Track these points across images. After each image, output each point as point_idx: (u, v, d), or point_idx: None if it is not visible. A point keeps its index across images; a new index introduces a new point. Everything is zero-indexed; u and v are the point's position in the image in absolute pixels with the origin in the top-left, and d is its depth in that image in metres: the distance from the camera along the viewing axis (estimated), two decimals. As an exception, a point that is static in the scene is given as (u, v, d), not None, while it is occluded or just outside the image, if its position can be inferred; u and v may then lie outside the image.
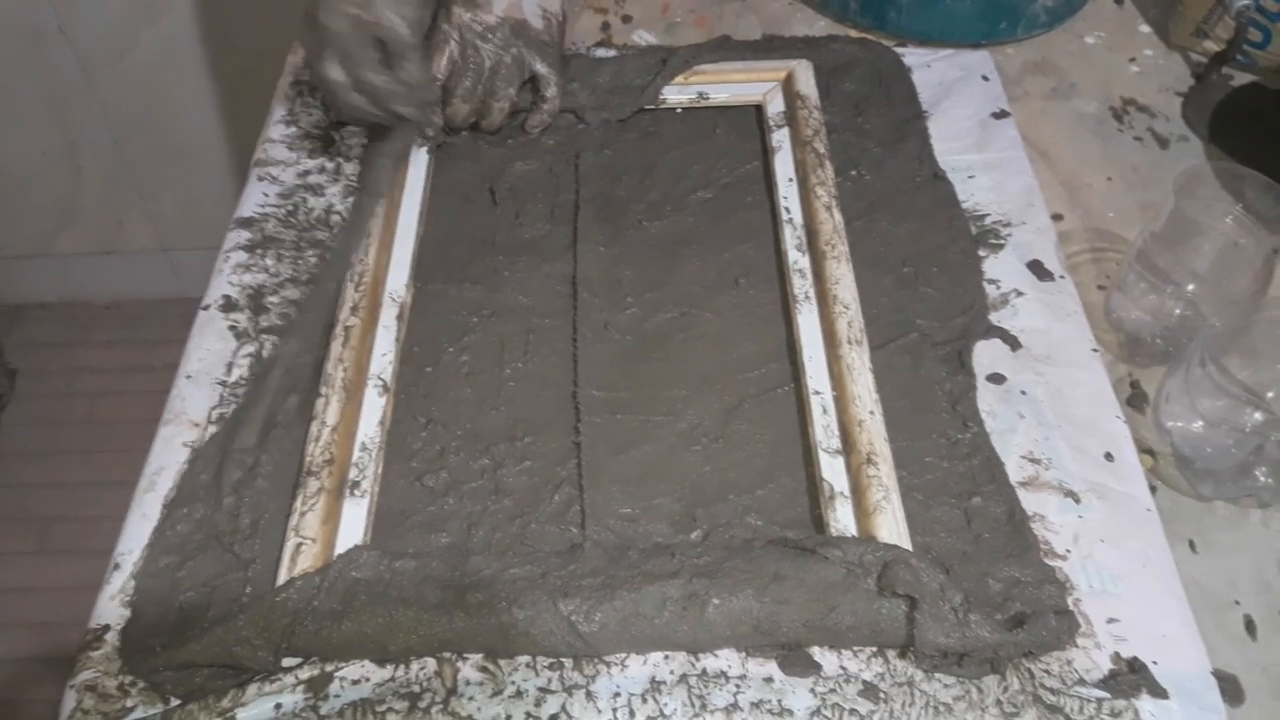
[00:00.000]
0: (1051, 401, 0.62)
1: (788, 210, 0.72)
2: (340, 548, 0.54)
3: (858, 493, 0.56)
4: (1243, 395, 0.57)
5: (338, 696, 0.50)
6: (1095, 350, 0.65)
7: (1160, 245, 0.65)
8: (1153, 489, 0.60)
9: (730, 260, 0.71)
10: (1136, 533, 0.57)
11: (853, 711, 0.50)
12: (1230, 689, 0.53)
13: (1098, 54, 0.90)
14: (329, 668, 0.51)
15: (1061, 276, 0.69)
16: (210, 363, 0.65)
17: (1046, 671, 0.51)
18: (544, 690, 0.51)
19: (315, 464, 0.58)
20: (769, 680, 0.51)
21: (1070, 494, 0.58)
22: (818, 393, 0.61)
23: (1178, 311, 0.65)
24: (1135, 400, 0.65)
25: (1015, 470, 0.59)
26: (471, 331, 0.66)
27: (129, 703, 0.50)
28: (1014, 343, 0.65)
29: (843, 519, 0.55)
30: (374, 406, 0.61)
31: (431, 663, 0.52)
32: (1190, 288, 0.65)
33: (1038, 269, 0.69)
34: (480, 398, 0.63)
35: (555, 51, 0.75)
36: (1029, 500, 0.58)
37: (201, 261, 0.73)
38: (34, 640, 1.47)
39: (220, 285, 0.69)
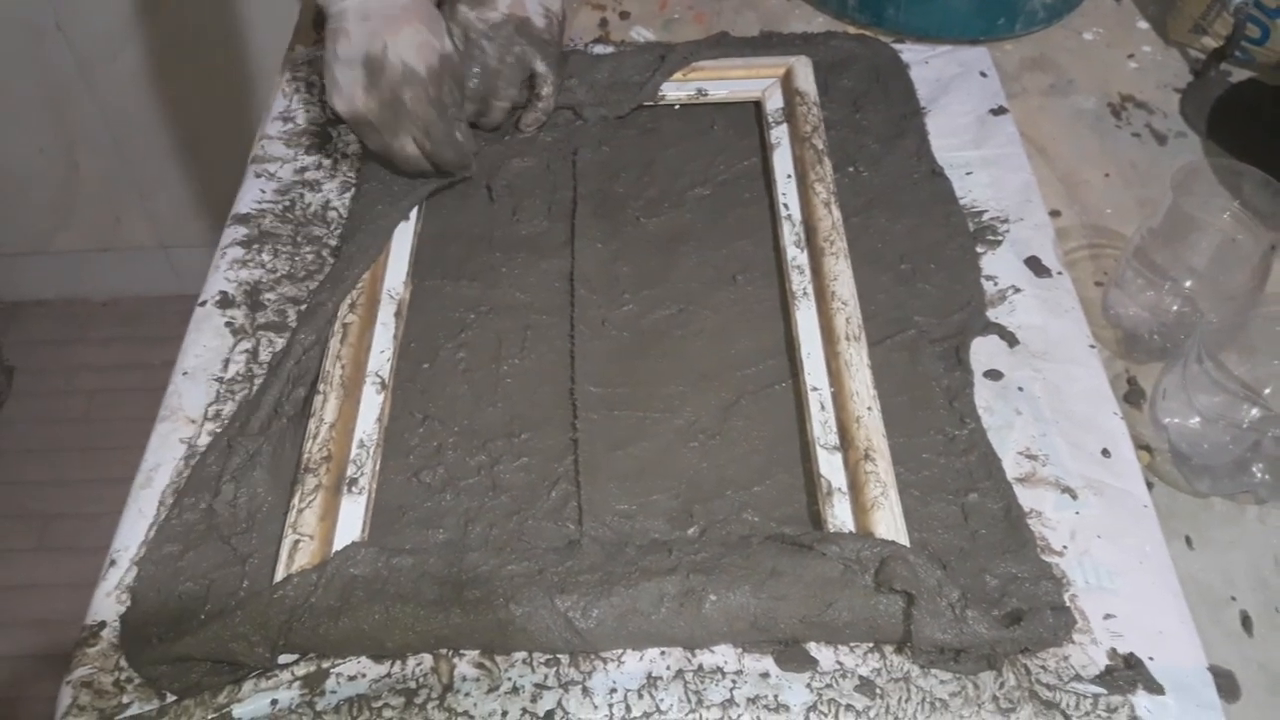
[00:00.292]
0: (1049, 398, 0.62)
1: (786, 207, 0.72)
2: (338, 544, 0.54)
3: (855, 489, 0.56)
4: (1240, 391, 0.57)
5: (334, 693, 0.50)
6: (1092, 346, 0.65)
7: (1158, 241, 0.65)
8: (1150, 485, 0.60)
9: (728, 257, 0.70)
10: (1133, 529, 0.57)
11: (849, 707, 0.50)
12: (1226, 685, 0.53)
13: (1096, 50, 0.90)
14: (326, 664, 0.51)
15: (1059, 273, 0.69)
16: (207, 359, 0.65)
17: (1043, 667, 0.51)
18: (540, 686, 0.51)
19: (313, 461, 0.57)
20: (765, 676, 0.51)
21: (1067, 490, 0.58)
22: (816, 389, 0.61)
23: (1175, 308, 0.65)
24: (1132, 396, 0.65)
25: (1012, 466, 0.59)
26: (469, 328, 0.66)
27: (125, 699, 0.50)
28: (1011, 339, 0.65)
29: (840, 515, 0.55)
30: (372, 403, 0.61)
31: (428, 659, 0.52)
32: (1188, 284, 0.65)
33: (1035, 265, 0.69)
34: (477, 394, 0.63)
35: (555, 50, 0.75)
36: (1026, 496, 0.58)
37: (199, 258, 0.73)
38: (34, 637, 1.47)
39: (217, 281, 0.69)
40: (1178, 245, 0.64)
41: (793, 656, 0.52)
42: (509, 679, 0.51)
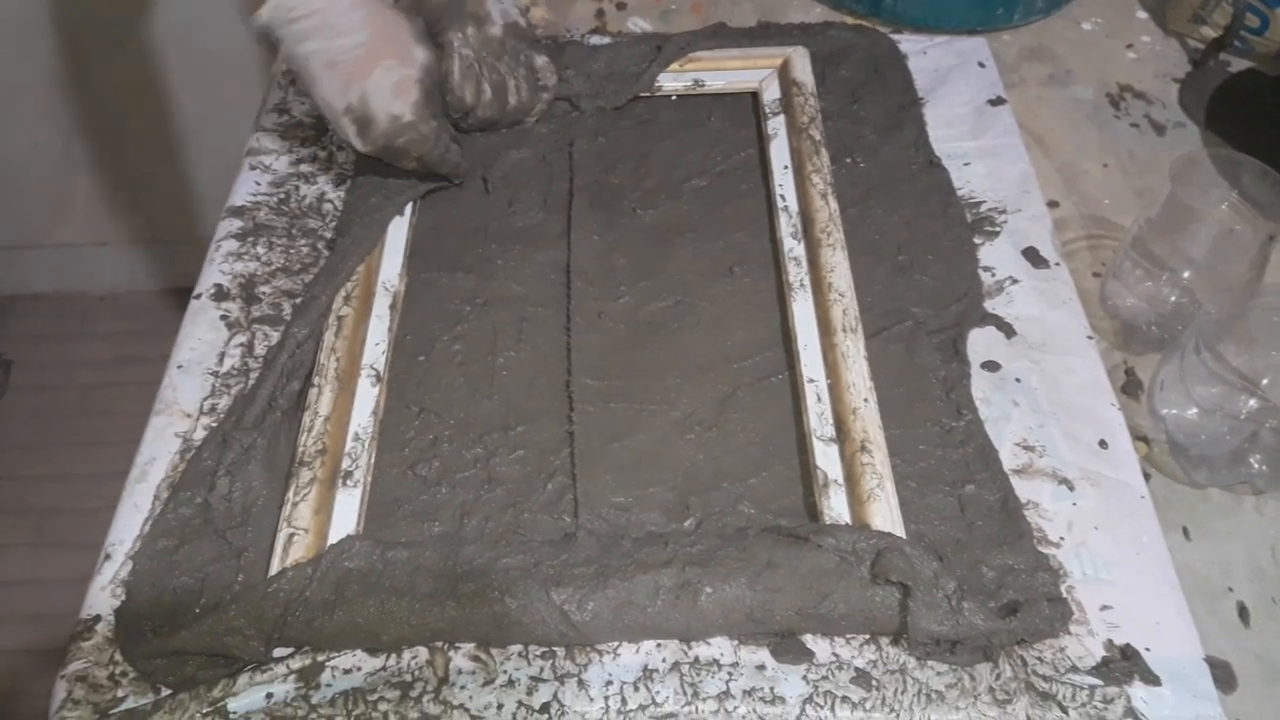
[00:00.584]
0: (1046, 389, 0.62)
1: (783, 198, 0.71)
2: (333, 538, 0.54)
3: (851, 480, 0.56)
4: (1237, 382, 0.57)
5: (329, 686, 0.50)
6: (1090, 338, 0.65)
7: (1156, 232, 0.64)
8: (1147, 476, 0.59)
9: (725, 248, 0.70)
10: (1130, 520, 0.57)
11: (845, 699, 0.50)
12: (1223, 676, 0.52)
13: (1095, 40, 0.90)
14: (321, 657, 0.51)
15: (1057, 264, 0.69)
16: (202, 352, 0.64)
17: (1039, 659, 0.51)
18: (536, 679, 0.51)
19: (308, 454, 0.57)
20: (761, 668, 0.51)
21: (1064, 481, 0.58)
22: (812, 380, 0.61)
23: (1173, 298, 0.65)
24: (1130, 387, 0.65)
25: (1009, 458, 0.59)
26: (464, 320, 0.66)
27: (120, 693, 0.50)
28: (1009, 330, 0.65)
29: (836, 507, 0.55)
30: (367, 396, 0.61)
31: (423, 652, 0.52)
32: (1186, 275, 0.65)
33: (1033, 256, 0.69)
34: (473, 387, 0.63)
35: (539, 39, 0.75)
36: (1023, 488, 0.58)
37: (196, 252, 0.73)
38: (32, 632, 1.47)
39: (212, 274, 0.69)
40: (1176, 236, 0.64)
41: (789, 648, 0.52)
42: (504, 672, 0.51)
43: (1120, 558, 0.55)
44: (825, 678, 0.51)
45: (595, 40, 0.84)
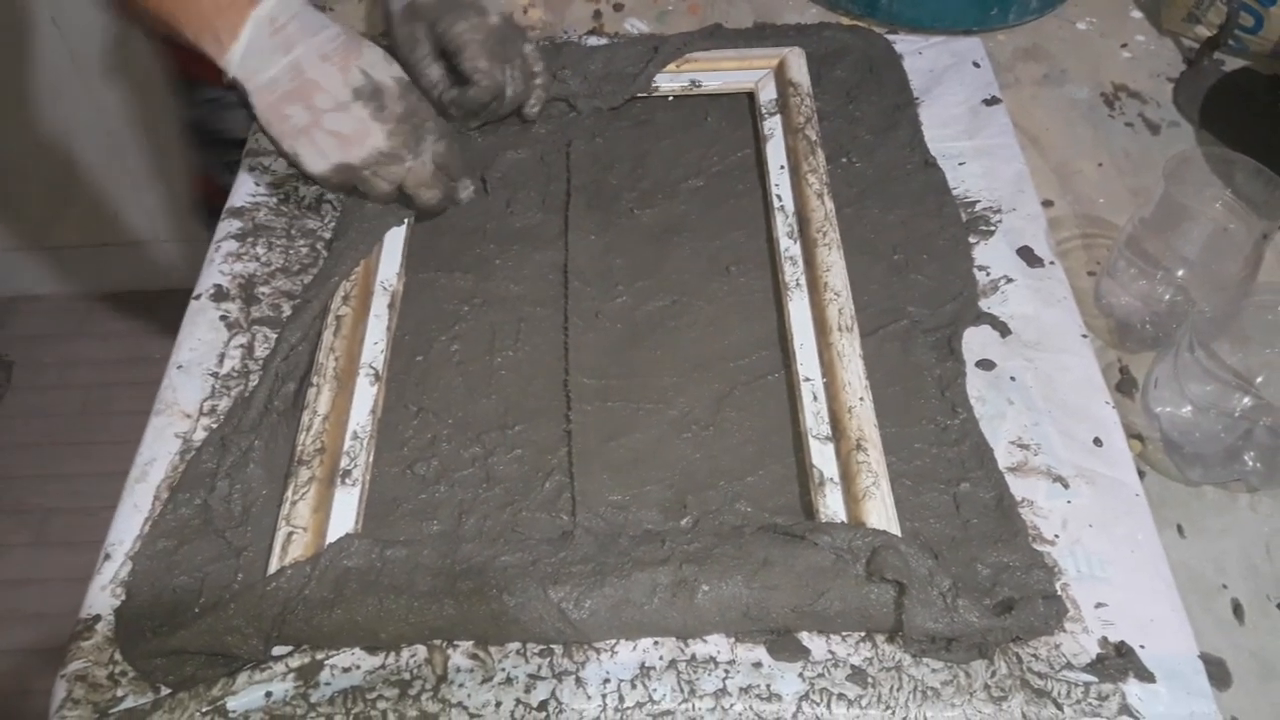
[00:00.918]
0: (1041, 387, 0.63)
1: (779, 198, 0.72)
2: (331, 536, 0.54)
3: (847, 479, 0.56)
4: (1231, 380, 0.58)
5: (328, 684, 0.51)
6: (1085, 336, 0.65)
7: (1150, 231, 0.65)
8: (1141, 474, 0.60)
9: (721, 248, 0.71)
10: (1125, 518, 0.57)
11: (841, 696, 0.50)
12: (1217, 673, 0.53)
13: (1089, 40, 0.90)
14: (320, 656, 0.52)
15: (1051, 263, 0.69)
16: (201, 353, 0.65)
17: (1034, 656, 0.51)
18: (534, 677, 0.51)
19: (307, 453, 0.58)
20: (758, 665, 0.51)
21: (1059, 479, 0.58)
22: (808, 379, 0.61)
23: (1167, 297, 0.66)
24: (1124, 386, 0.66)
25: (1004, 456, 0.59)
26: (462, 320, 0.66)
27: (119, 692, 0.50)
28: (1004, 329, 0.66)
29: (832, 505, 0.55)
30: (365, 395, 0.61)
31: (422, 650, 0.52)
32: (1180, 273, 0.65)
33: (1028, 255, 0.70)
34: (471, 386, 0.63)
35: (524, 31, 0.75)
36: (1018, 486, 0.58)
37: (196, 252, 0.73)
38: (32, 632, 1.48)
39: (211, 275, 0.69)
40: (1170, 234, 0.64)
41: (785, 646, 0.52)
42: (503, 670, 0.51)
43: (1115, 555, 0.55)
44: (821, 675, 0.51)
45: (592, 41, 0.84)
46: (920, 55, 0.84)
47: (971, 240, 0.71)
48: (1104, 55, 0.89)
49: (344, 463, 0.58)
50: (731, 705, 0.50)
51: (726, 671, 0.51)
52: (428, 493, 0.58)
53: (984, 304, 0.67)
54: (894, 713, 0.50)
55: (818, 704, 0.50)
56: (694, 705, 0.50)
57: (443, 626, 0.51)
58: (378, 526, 0.56)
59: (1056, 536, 0.56)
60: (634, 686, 0.51)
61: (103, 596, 0.54)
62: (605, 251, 0.70)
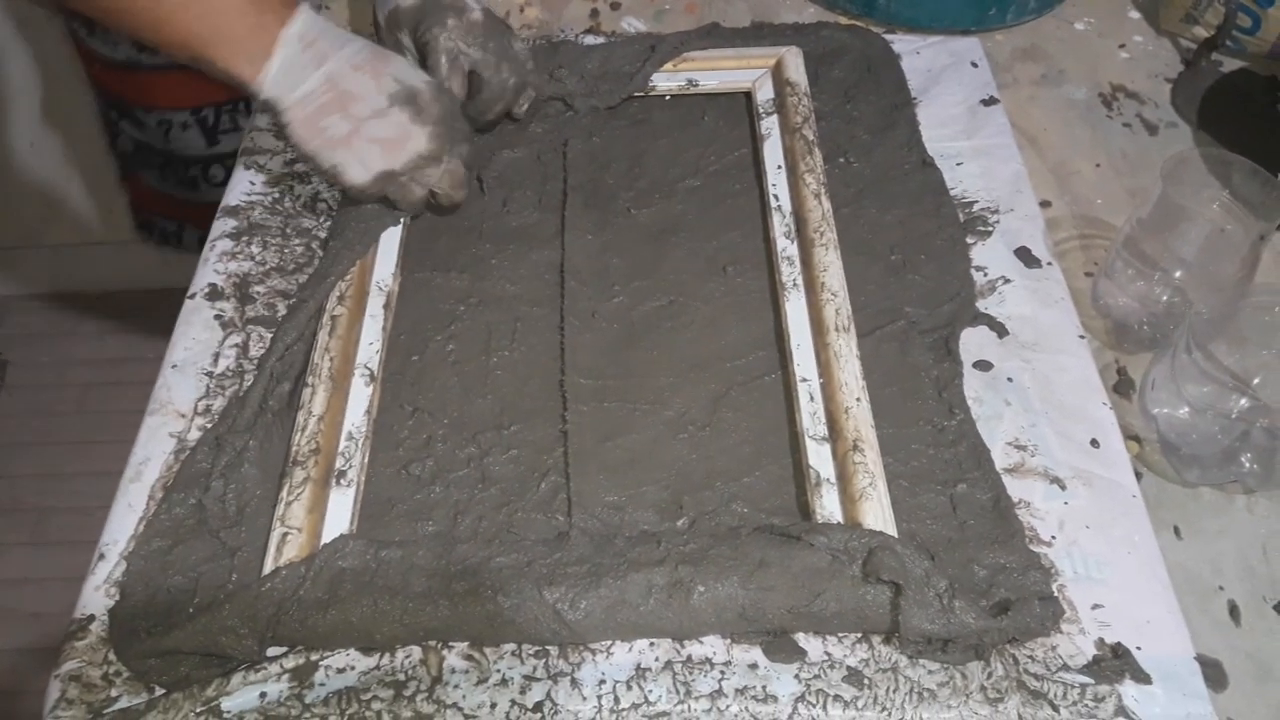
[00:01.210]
0: (1038, 388, 0.63)
1: (776, 198, 0.71)
2: (326, 537, 0.54)
3: (844, 479, 0.56)
4: (1229, 381, 0.58)
5: (323, 685, 0.50)
6: (1082, 337, 0.65)
7: (1148, 232, 0.65)
8: (1138, 475, 0.60)
9: (718, 248, 0.70)
10: (1122, 519, 0.57)
11: (837, 697, 0.50)
12: (1214, 674, 0.53)
13: (1087, 40, 0.90)
14: (314, 656, 0.51)
15: (1049, 263, 0.69)
16: (196, 352, 0.64)
17: (1030, 657, 0.51)
18: (529, 678, 0.51)
19: (301, 454, 0.57)
20: (754, 666, 0.51)
21: (1056, 480, 0.58)
22: (805, 380, 0.61)
23: (1165, 298, 0.65)
24: (1122, 387, 0.66)
25: (1001, 457, 0.59)
26: (458, 320, 0.66)
27: (113, 692, 0.50)
28: (1001, 330, 0.65)
29: (829, 506, 0.55)
30: (360, 396, 0.61)
31: (417, 651, 0.52)
32: (1177, 274, 0.65)
33: (1025, 256, 0.69)
34: (467, 386, 0.63)
35: (511, 28, 0.75)
36: (1014, 487, 0.58)
37: (192, 251, 0.73)
38: (28, 631, 1.47)
39: (206, 274, 0.69)
40: (1167, 235, 0.64)
41: (781, 647, 0.52)
42: (498, 671, 0.51)
43: (1112, 556, 0.55)
44: (817, 676, 0.51)
45: (589, 40, 0.84)
46: (918, 55, 0.84)
47: (969, 241, 0.70)
48: (1102, 56, 0.89)
49: (339, 463, 0.57)
50: (727, 706, 0.50)
51: (722, 673, 0.51)
52: (423, 493, 0.58)
53: (981, 304, 0.67)
54: (890, 714, 0.50)
55: (814, 705, 0.50)
56: (689, 706, 0.50)
57: (438, 627, 0.51)
58: (373, 527, 0.56)
59: (1053, 538, 0.56)
60: (629, 688, 0.51)
61: (97, 596, 0.54)
62: (602, 251, 0.70)
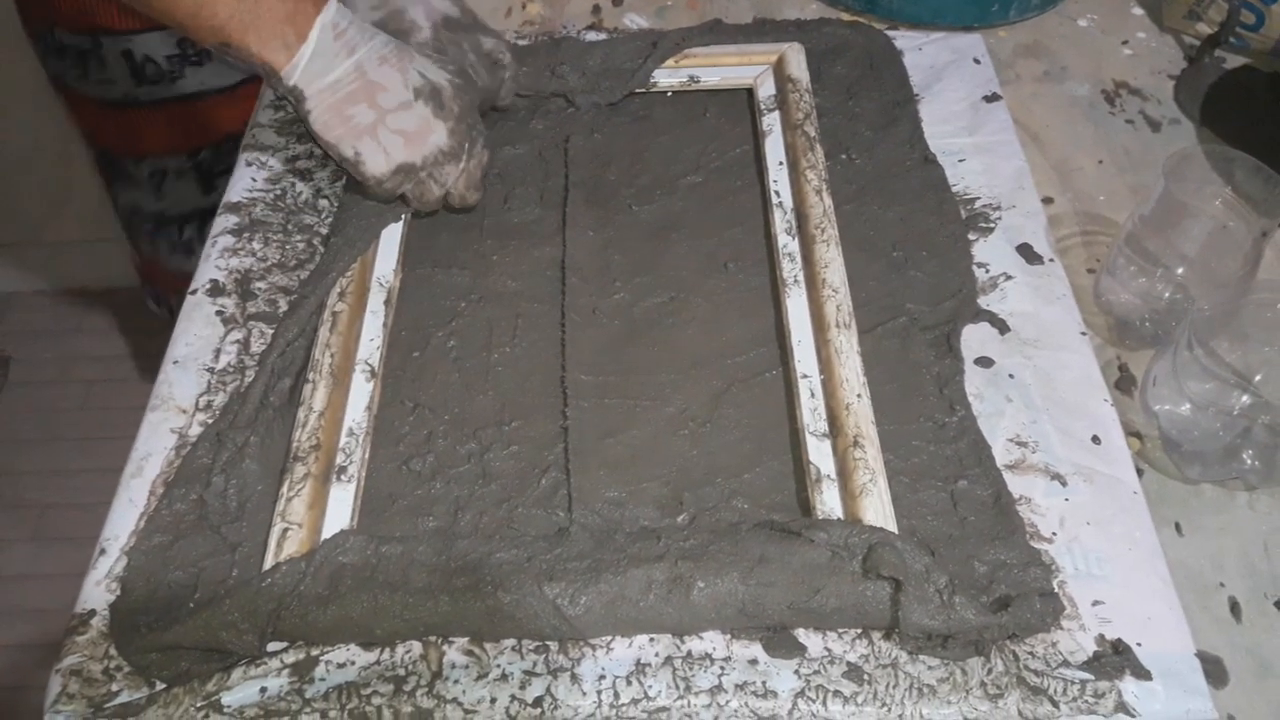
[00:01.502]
0: (1039, 385, 0.62)
1: (778, 194, 0.71)
2: (326, 533, 0.54)
3: (844, 476, 0.56)
4: (1230, 378, 0.57)
5: (323, 680, 0.51)
6: (1084, 333, 0.65)
7: (1150, 228, 0.65)
8: (1140, 472, 0.60)
9: (719, 244, 0.70)
10: (1123, 515, 0.57)
11: (837, 693, 0.50)
12: (1214, 671, 0.53)
13: (1090, 37, 0.90)
14: (314, 651, 0.51)
15: (1051, 260, 0.69)
16: (198, 348, 0.64)
17: (1031, 654, 0.51)
18: (529, 673, 0.51)
19: (302, 449, 0.57)
20: (754, 662, 0.51)
21: (1057, 477, 0.58)
22: (806, 376, 0.61)
23: (1167, 295, 0.65)
24: (1123, 383, 0.65)
25: (1002, 453, 0.59)
26: (459, 316, 0.66)
27: (114, 687, 0.50)
28: (1002, 326, 0.65)
29: (829, 502, 0.55)
30: (361, 392, 0.61)
31: (417, 646, 0.52)
32: (1179, 271, 0.65)
33: (1027, 252, 0.69)
34: (468, 382, 0.63)
35: (485, 25, 0.75)
36: (1015, 483, 0.58)
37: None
38: (31, 627, 1.48)
39: (208, 270, 0.69)
40: (1170, 232, 0.64)
41: (781, 643, 0.52)
42: (498, 666, 0.51)
43: (1112, 553, 0.55)
44: (817, 672, 0.51)
45: (591, 36, 0.84)
46: (920, 51, 0.84)
47: (971, 237, 0.70)
48: (1105, 52, 0.89)
49: (339, 459, 0.57)
50: (727, 702, 0.50)
51: (722, 668, 0.51)
52: (423, 489, 0.58)
53: (983, 301, 0.67)
54: (890, 710, 0.50)
55: (814, 701, 0.50)
56: (689, 702, 0.50)
57: (438, 623, 0.51)
58: (373, 523, 0.56)
59: (1054, 534, 0.56)
60: (629, 683, 0.51)
61: (97, 591, 0.54)
62: (603, 248, 0.70)
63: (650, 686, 0.50)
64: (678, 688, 0.50)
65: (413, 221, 0.71)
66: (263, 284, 0.68)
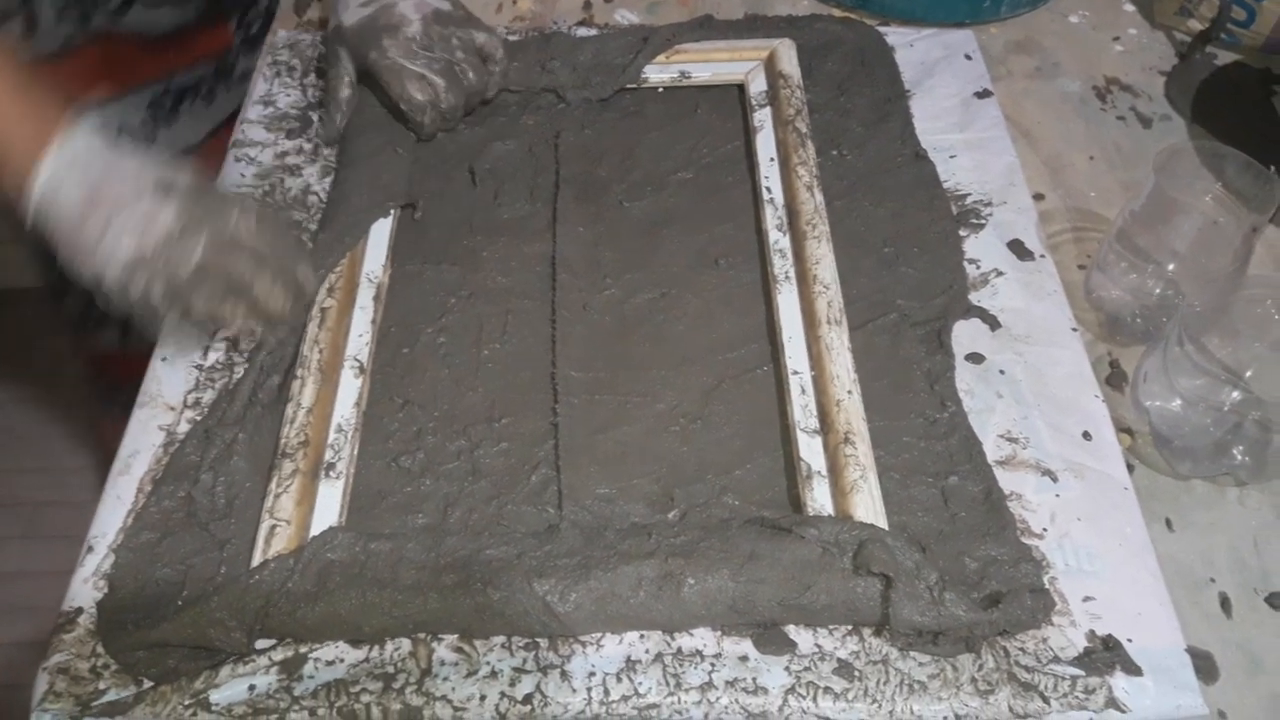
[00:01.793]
0: (1030, 381, 0.62)
1: (769, 190, 0.71)
2: (315, 529, 0.54)
3: (835, 472, 0.56)
4: (1221, 374, 0.57)
5: (311, 678, 0.50)
6: (1075, 329, 0.65)
7: (1140, 224, 0.65)
8: (1130, 468, 0.60)
9: (710, 240, 0.70)
10: (1113, 511, 0.57)
11: (827, 690, 0.50)
12: (1205, 666, 0.53)
13: (1081, 33, 0.90)
14: (303, 649, 0.51)
15: (1042, 256, 0.69)
16: (186, 345, 0.64)
17: (1021, 649, 0.51)
18: (519, 670, 0.51)
19: (290, 446, 0.57)
20: (744, 659, 0.51)
21: (1048, 473, 0.58)
22: (796, 373, 0.61)
23: (1157, 290, 0.65)
24: (1114, 379, 0.65)
25: (993, 449, 0.59)
26: (449, 312, 0.66)
27: (101, 685, 0.50)
28: (993, 322, 0.65)
29: (820, 498, 0.55)
30: (350, 388, 0.60)
31: (406, 643, 0.52)
32: (1170, 266, 0.65)
33: (1018, 248, 0.69)
34: (458, 379, 0.63)
35: (478, 20, 0.75)
36: (1006, 479, 0.58)
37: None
38: (23, 625, 1.47)
39: (197, 267, 0.68)
40: (1160, 228, 0.64)
41: (771, 639, 0.52)
42: (487, 663, 0.51)
43: (1103, 549, 0.55)
44: (808, 668, 0.51)
45: (582, 32, 0.84)
46: (912, 48, 0.84)
47: (962, 233, 0.70)
48: (1096, 48, 0.88)
49: (328, 455, 0.57)
50: (717, 698, 0.50)
51: (712, 665, 0.51)
52: (413, 486, 0.58)
53: (974, 297, 0.67)
54: (880, 706, 0.50)
55: (804, 697, 0.50)
56: (679, 698, 0.50)
57: (427, 620, 0.51)
58: (362, 519, 0.56)
59: (1045, 530, 0.56)
60: (619, 680, 0.50)
61: (85, 589, 0.54)
62: (594, 244, 0.70)
63: (640, 683, 0.50)
64: (668, 684, 0.50)
65: (402, 218, 0.71)
66: (252, 280, 0.68)
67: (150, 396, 0.62)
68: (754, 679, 0.50)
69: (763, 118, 0.76)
